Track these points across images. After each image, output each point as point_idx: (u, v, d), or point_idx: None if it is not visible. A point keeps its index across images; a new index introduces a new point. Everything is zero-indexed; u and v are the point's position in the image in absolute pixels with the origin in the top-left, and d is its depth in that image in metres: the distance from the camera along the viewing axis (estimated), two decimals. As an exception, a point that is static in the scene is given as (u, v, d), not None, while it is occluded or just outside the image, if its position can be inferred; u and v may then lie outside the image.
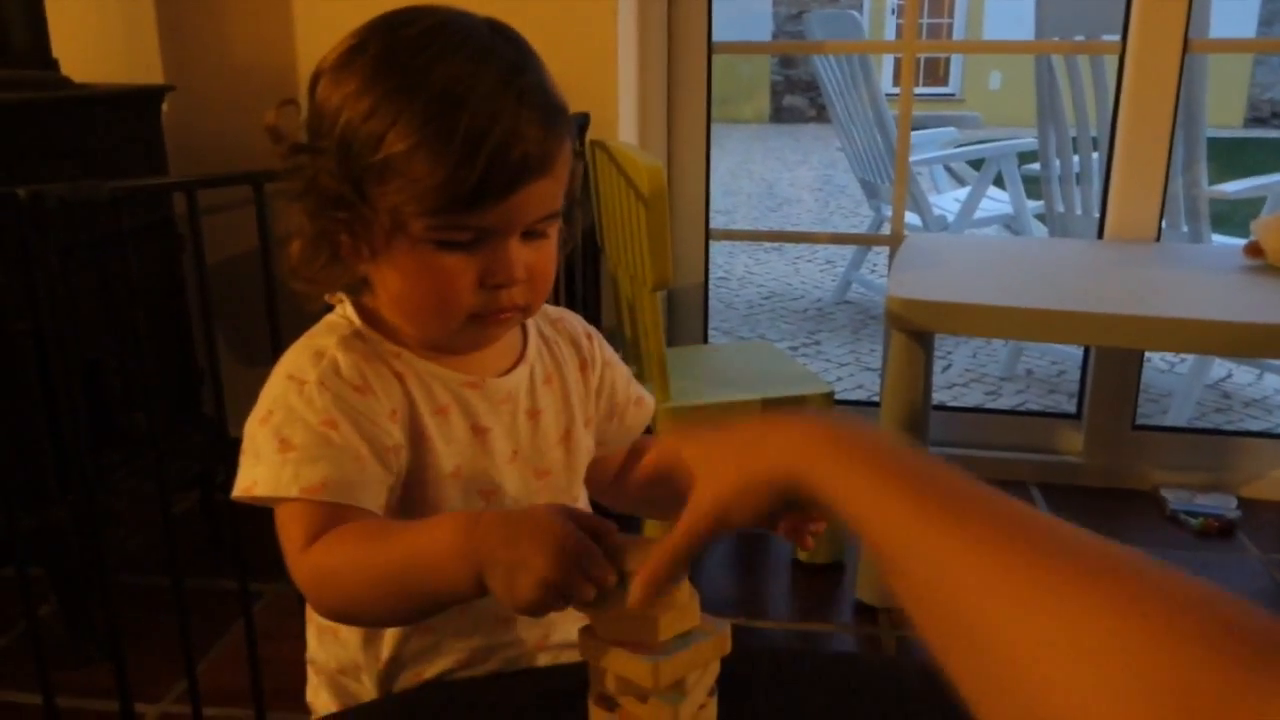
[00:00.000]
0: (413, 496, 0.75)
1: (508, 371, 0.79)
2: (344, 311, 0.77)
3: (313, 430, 0.68)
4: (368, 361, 0.73)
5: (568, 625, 0.81)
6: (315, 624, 0.82)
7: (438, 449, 0.75)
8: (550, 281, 0.75)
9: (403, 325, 0.74)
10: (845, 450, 0.53)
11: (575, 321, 0.88)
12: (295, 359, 0.73)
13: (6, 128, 1.59)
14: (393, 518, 0.74)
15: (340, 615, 0.71)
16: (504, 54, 0.68)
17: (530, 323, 0.82)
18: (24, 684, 1.58)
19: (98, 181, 1.26)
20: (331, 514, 0.67)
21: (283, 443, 0.68)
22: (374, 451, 0.70)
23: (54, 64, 1.82)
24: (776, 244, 5.42)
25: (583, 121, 1.94)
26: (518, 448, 0.79)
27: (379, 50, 0.67)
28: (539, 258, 0.72)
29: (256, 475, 0.69)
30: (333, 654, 0.81)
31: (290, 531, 0.68)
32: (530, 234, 0.71)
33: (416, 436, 0.74)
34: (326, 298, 0.77)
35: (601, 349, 0.87)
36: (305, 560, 0.67)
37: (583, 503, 0.85)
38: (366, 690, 0.81)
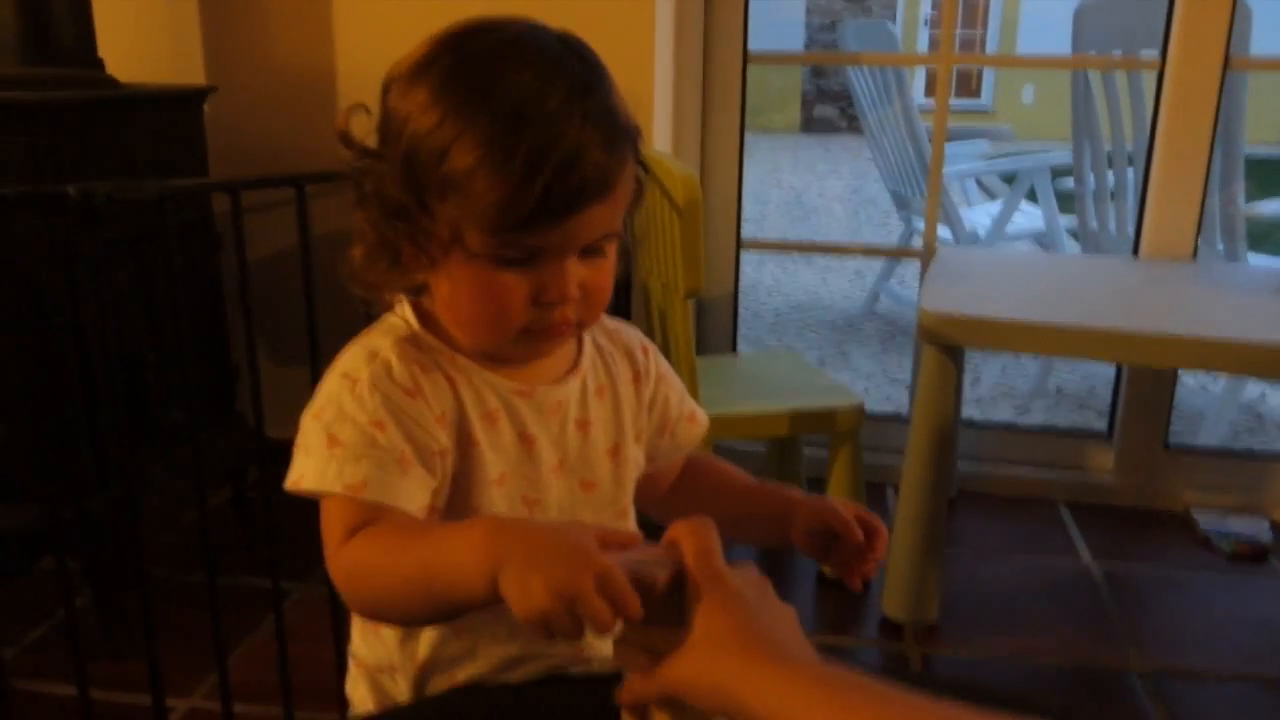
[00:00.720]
0: (459, 502, 0.76)
1: (560, 381, 0.79)
2: (402, 313, 0.78)
3: (360, 429, 0.70)
4: (420, 365, 0.74)
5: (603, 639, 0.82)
6: (359, 619, 0.83)
7: (485, 455, 0.76)
8: (607, 297, 0.76)
9: (457, 332, 0.75)
10: (766, 660, 0.61)
11: (632, 334, 0.88)
12: (351, 357, 0.74)
13: (52, 126, 1.61)
14: (429, 517, 0.74)
15: (370, 612, 0.73)
16: (573, 72, 0.68)
17: (586, 334, 0.83)
18: (53, 675, 1.60)
19: (146, 181, 1.28)
20: (370, 512, 0.69)
21: (331, 439, 0.70)
22: (419, 454, 0.71)
23: (99, 63, 1.84)
24: (805, 254, 5.40)
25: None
26: (564, 458, 0.79)
27: (449, 63, 0.68)
28: (596, 275, 0.73)
29: (305, 469, 0.71)
30: (373, 650, 0.82)
31: (331, 527, 0.70)
32: (588, 251, 0.72)
33: (465, 441, 0.75)
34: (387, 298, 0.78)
35: (657, 363, 0.87)
36: (341, 555, 0.69)
37: (630, 517, 0.85)
38: (401, 690, 0.81)
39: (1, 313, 1.61)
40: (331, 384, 0.73)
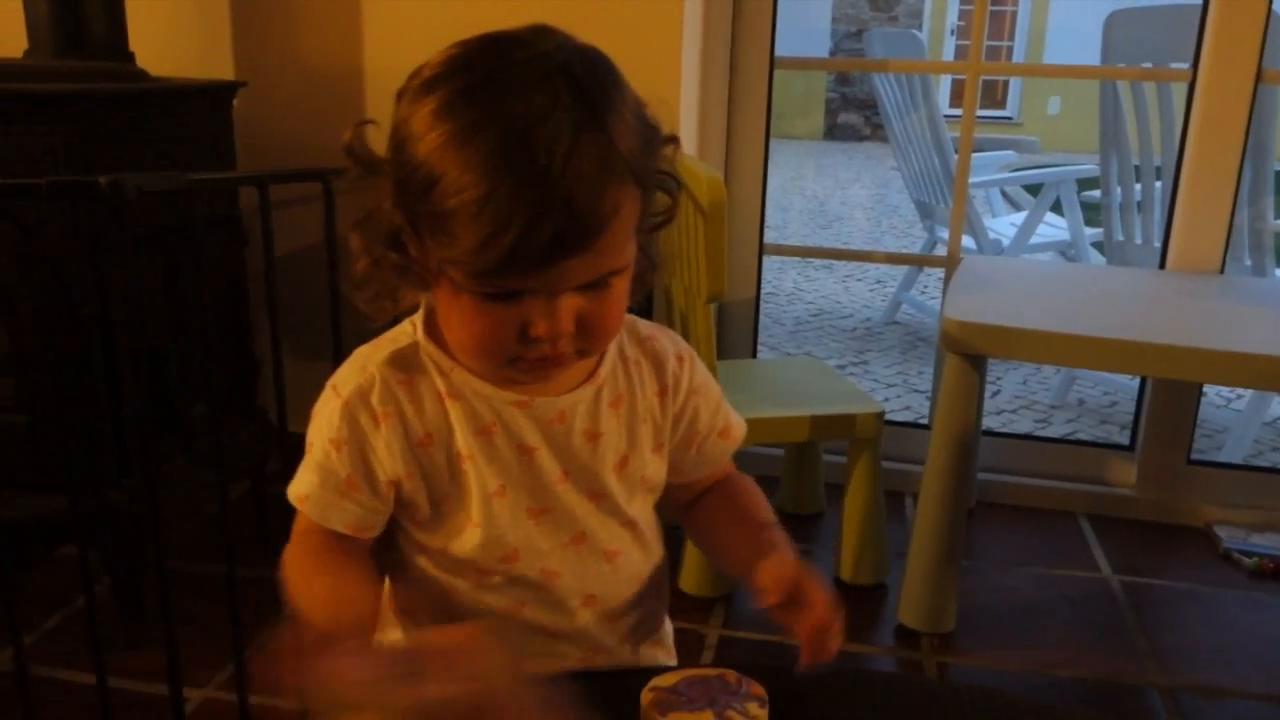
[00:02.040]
0: (458, 514, 0.77)
1: (567, 392, 0.78)
2: (413, 320, 0.78)
3: (323, 444, 0.75)
4: (409, 382, 0.76)
5: (611, 655, 0.83)
6: (392, 611, 0.84)
7: (481, 469, 0.76)
8: (613, 328, 0.73)
9: (454, 352, 0.76)
10: None
11: (667, 343, 0.84)
12: (348, 366, 0.77)
13: (83, 118, 1.63)
14: (420, 531, 0.79)
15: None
16: (580, 104, 0.64)
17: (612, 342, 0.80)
18: (69, 663, 1.61)
19: (176, 173, 1.29)
20: (318, 533, 0.76)
21: (309, 446, 0.77)
22: (367, 480, 0.75)
23: (130, 56, 1.86)
24: (826, 261, 5.39)
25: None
26: (570, 467, 0.79)
27: (458, 85, 0.66)
28: (597, 307, 0.69)
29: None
30: (389, 636, 0.83)
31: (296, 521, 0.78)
32: (587, 285, 0.68)
33: (454, 457, 0.76)
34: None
35: (692, 375, 0.84)
36: (286, 550, 0.77)
37: (639, 529, 0.83)
38: None
39: (29, 303, 1.62)
40: (325, 391, 0.77)
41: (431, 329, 0.77)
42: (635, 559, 0.83)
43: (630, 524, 0.82)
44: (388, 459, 0.75)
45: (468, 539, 0.77)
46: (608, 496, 0.80)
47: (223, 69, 2.21)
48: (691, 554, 1.93)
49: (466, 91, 0.65)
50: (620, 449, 0.80)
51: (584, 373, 0.79)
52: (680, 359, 0.84)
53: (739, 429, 0.89)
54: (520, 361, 0.71)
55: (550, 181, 0.62)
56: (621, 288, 0.71)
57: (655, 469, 0.83)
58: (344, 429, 0.74)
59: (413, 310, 0.79)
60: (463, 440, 0.76)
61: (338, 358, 1.42)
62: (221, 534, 1.38)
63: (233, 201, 1.98)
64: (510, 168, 0.62)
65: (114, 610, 1.69)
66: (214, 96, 1.96)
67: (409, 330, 0.78)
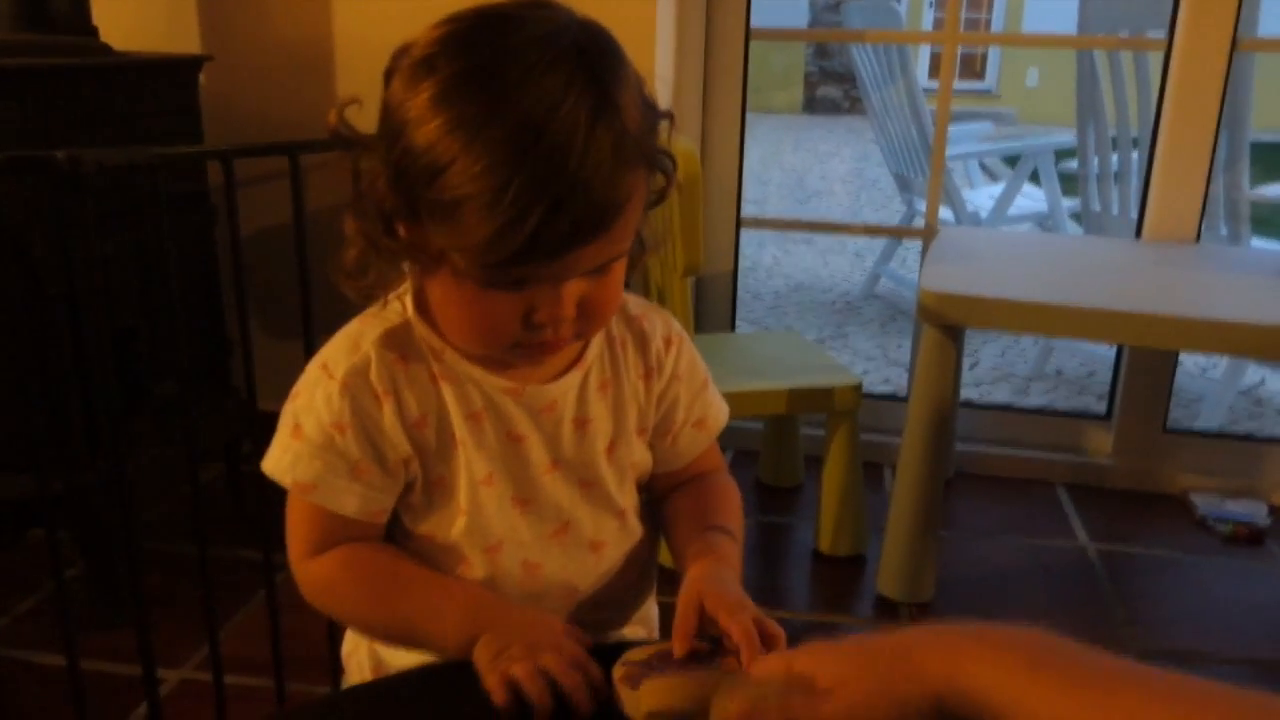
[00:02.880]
0: (445, 502, 0.76)
1: (555, 378, 0.77)
2: (402, 299, 0.75)
3: (323, 428, 0.72)
4: (404, 361, 0.73)
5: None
6: None
7: (470, 455, 0.75)
8: (612, 310, 0.72)
9: (448, 337, 0.74)
10: (1002, 652, 0.53)
11: (658, 323, 0.82)
12: (336, 345, 0.74)
13: (45, 93, 1.60)
14: (412, 516, 0.76)
15: (330, 616, 0.80)
16: (591, 85, 0.62)
17: None
18: (46, 645, 1.60)
19: (135, 147, 1.26)
20: (327, 525, 0.74)
21: (295, 428, 0.73)
22: (377, 461, 0.73)
23: (93, 31, 1.82)
24: (806, 235, 5.38)
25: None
26: (559, 457, 0.77)
27: (458, 69, 0.62)
28: (599, 291, 0.69)
29: (271, 450, 0.74)
30: None
31: (294, 531, 0.75)
32: (590, 271, 0.67)
33: (448, 442, 0.74)
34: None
35: (678, 360, 0.83)
36: (309, 569, 0.75)
37: (627, 519, 0.82)
38: (391, 655, 0.81)
39: (-7, 281, 1.59)
40: (312, 370, 0.74)
41: (421, 308, 0.75)
42: (621, 549, 0.82)
43: (620, 513, 0.81)
44: (395, 436, 0.73)
45: (453, 527, 0.76)
46: (598, 484, 0.79)
47: (189, 43, 2.17)
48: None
49: (471, 74, 0.62)
50: (609, 434, 0.79)
51: (571, 356, 0.78)
52: (668, 341, 0.82)
53: (716, 421, 0.86)
54: (520, 347, 0.69)
55: (570, 171, 0.60)
56: (621, 270, 0.71)
57: (642, 453, 0.82)
58: (346, 411, 0.72)
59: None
60: (456, 424, 0.74)
61: (309, 335, 1.40)
62: (194, 513, 1.37)
63: (202, 178, 1.95)
64: (528, 156, 0.60)
65: (88, 592, 1.68)
66: (179, 71, 1.92)
67: (398, 308, 0.75)
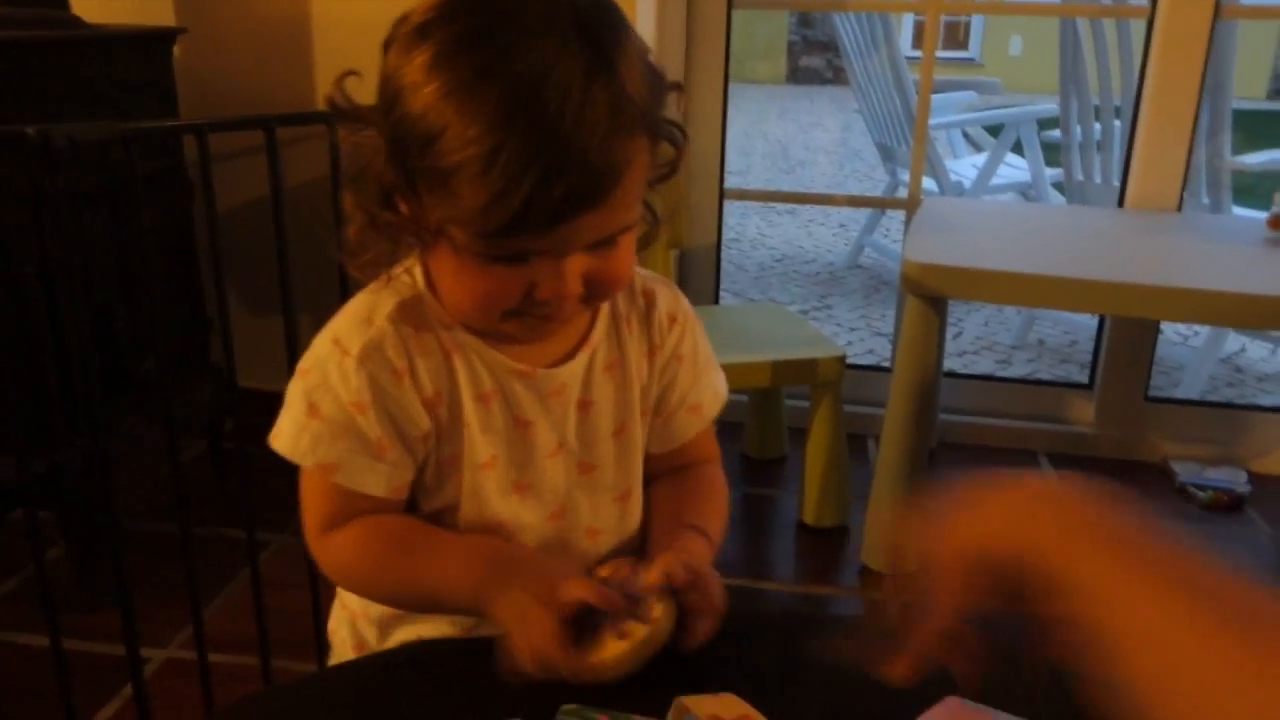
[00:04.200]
0: (447, 482, 0.74)
1: (565, 359, 0.75)
2: (413, 272, 0.73)
3: (342, 407, 0.70)
4: (418, 335, 0.71)
5: None
6: None
7: (475, 437, 0.73)
8: (620, 284, 0.71)
9: (450, 311, 0.72)
10: (1095, 532, 0.46)
11: (664, 300, 0.80)
12: (347, 319, 0.72)
13: (16, 66, 1.57)
14: (423, 495, 0.75)
15: (349, 591, 0.78)
16: (590, 48, 0.60)
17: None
18: (31, 627, 1.59)
19: (108, 122, 1.24)
20: (347, 500, 0.72)
21: (311, 407, 0.71)
22: (399, 437, 0.71)
23: (64, 3, 1.79)
24: (789, 206, 5.37)
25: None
26: (564, 440, 0.76)
27: (455, 31, 0.61)
28: (606, 265, 0.66)
29: (282, 428, 0.72)
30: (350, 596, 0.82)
31: (311, 506, 0.73)
32: (595, 244, 0.65)
33: (456, 422, 0.73)
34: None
35: (681, 339, 0.81)
36: (326, 544, 0.73)
37: (633, 499, 0.81)
38: (370, 636, 0.81)
39: (-34, 260, 1.57)
40: (323, 345, 0.71)
41: (430, 281, 0.73)
42: (618, 536, 0.81)
43: (622, 496, 0.80)
44: (416, 412, 0.71)
45: (457, 508, 0.75)
46: (597, 469, 0.78)
47: (162, 15, 2.13)
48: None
49: (466, 38, 0.60)
50: (617, 416, 0.78)
51: (579, 335, 0.76)
52: (673, 319, 0.80)
53: (711, 406, 0.84)
54: (522, 317, 0.67)
55: (563, 135, 0.58)
56: (629, 243, 0.68)
57: (645, 432, 0.81)
58: (365, 388, 0.70)
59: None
60: (466, 405, 0.73)
61: (288, 311, 1.39)
62: (176, 492, 1.36)
63: (178, 153, 1.92)
64: (520, 120, 0.58)
65: (70, 572, 1.67)
66: (153, 44, 1.89)
67: (409, 281, 0.73)
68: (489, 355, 0.73)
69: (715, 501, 0.84)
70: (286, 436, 0.71)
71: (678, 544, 0.75)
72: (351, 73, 0.68)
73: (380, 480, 0.71)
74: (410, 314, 0.71)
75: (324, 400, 0.70)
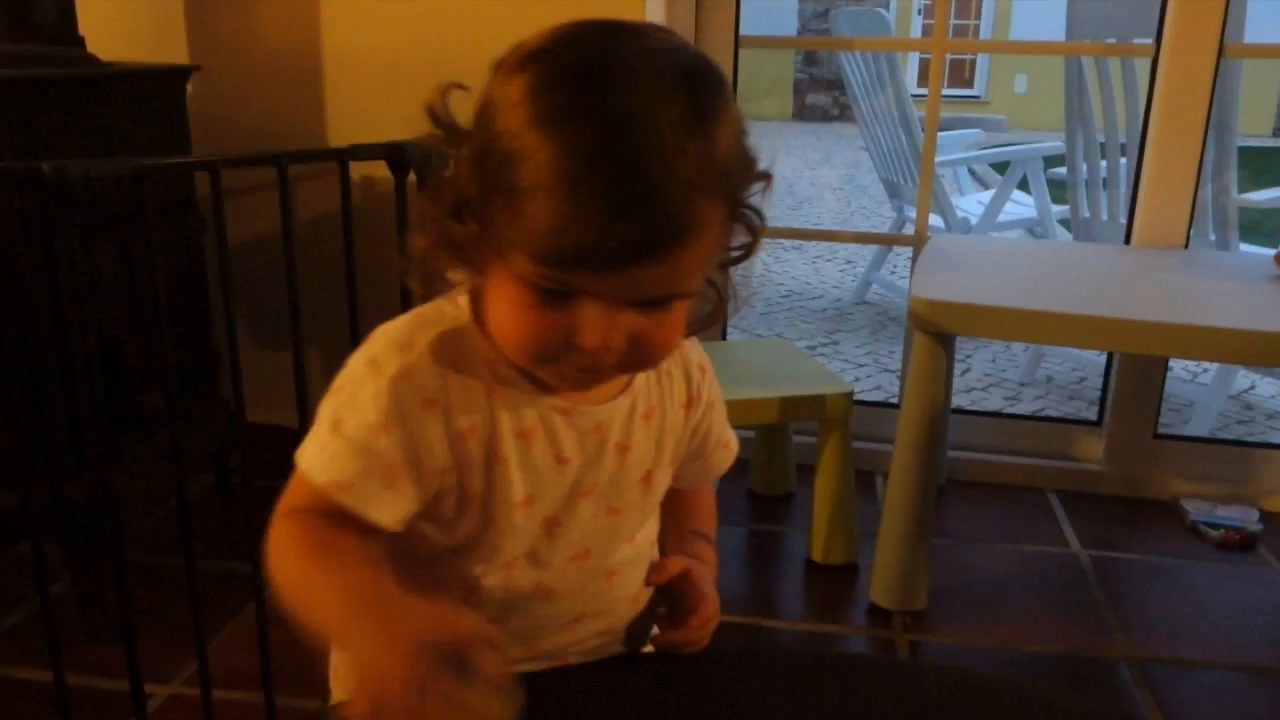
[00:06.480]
0: (481, 520, 0.73)
1: (606, 401, 0.75)
2: (459, 301, 0.73)
3: (365, 427, 0.68)
4: (456, 368, 0.70)
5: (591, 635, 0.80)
6: None
7: (512, 475, 0.72)
8: (665, 354, 0.69)
9: (496, 341, 0.70)
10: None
11: (693, 352, 0.81)
12: (388, 341, 0.71)
13: (31, 104, 1.59)
14: (442, 527, 0.73)
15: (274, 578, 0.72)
16: (678, 107, 0.60)
17: None
18: (35, 661, 1.58)
19: (123, 158, 1.25)
20: (320, 502, 0.69)
21: (336, 424, 0.69)
22: (414, 468, 0.69)
23: (80, 41, 1.81)
24: (796, 243, 5.39)
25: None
26: (596, 481, 0.76)
27: (559, 63, 0.62)
28: (654, 329, 0.65)
29: (307, 444, 0.70)
30: None
31: (285, 494, 0.71)
32: (648, 304, 0.64)
33: (491, 458, 0.72)
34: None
35: (711, 387, 0.82)
36: (275, 524, 0.70)
37: (644, 537, 0.82)
38: None
39: (-21, 293, 1.58)
40: (358, 365, 0.70)
41: (477, 314, 0.72)
42: (632, 576, 0.81)
43: (639, 544, 0.80)
44: (437, 446, 0.70)
45: (478, 541, 0.74)
46: (623, 512, 0.78)
47: (176, 53, 2.16)
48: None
49: (573, 69, 0.61)
50: (647, 463, 0.78)
51: (621, 384, 0.76)
52: (702, 370, 0.81)
53: (735, 444, 0.88)
54: (558, 366, 0.67)
55: (646, 177, 0.59)
56: (681, 314, 0.67)
57: (667, 481, 0.82)
58: (392, 412, 0.68)
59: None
60: (504, 441, 0.71)
61: (297, 346, 1.39)
62: (182, 526, 1.35)
63: (189, 188, 1.94)
64: (608, 155, 0.58)
65: (75, 606, 1.66)
66: (166, 81, 1.91)
67: (451, 312, 0.72)
68: (529, 391, 0.72)
69: (708, 505, 0.90)
70: (309, 453, 0.70)
71: (690, 550, 0.83)
72: (458, 85, 0.68)
73: (386, 509, 0.69)
74: (451, 345, 0.71)
75: (350, 419, 0.69)
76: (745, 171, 0.66)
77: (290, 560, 0.69)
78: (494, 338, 0.70)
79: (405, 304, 0.76)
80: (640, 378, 0.77)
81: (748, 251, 0.70)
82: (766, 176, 0.68)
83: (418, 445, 0.69)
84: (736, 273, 0.73)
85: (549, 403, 0.72)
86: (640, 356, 0.67)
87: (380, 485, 0.69)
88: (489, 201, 0.63)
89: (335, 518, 0.69)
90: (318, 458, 0.69)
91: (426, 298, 0.73)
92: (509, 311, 0.66)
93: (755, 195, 0.68)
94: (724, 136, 0.63)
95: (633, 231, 0.59)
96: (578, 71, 0.61)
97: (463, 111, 0.68)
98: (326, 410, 0.70)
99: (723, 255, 0.68)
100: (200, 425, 1.93)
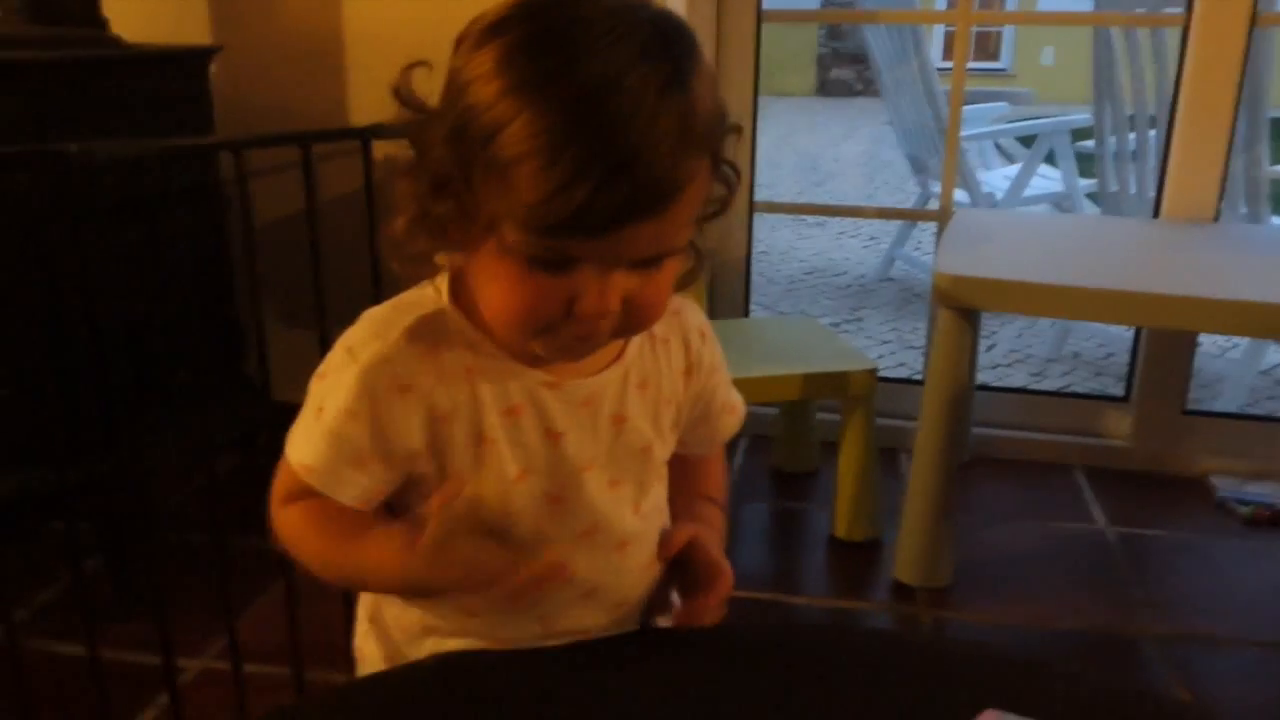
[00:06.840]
0: (480, 495, 0.73)
1: (596, 373, 0.75)
2: (438, 285, 0.73)
3: (339, 412, 0.71)
4: (435, 351, 0.71)
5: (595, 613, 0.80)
6: None
7: (502, 452, 0.72)
8: (658, 314, 0.69)
9: (487, 320, 0.71)
10: None
11: (692, 317, 0.81)
12: (364, 328, 0.72)
13: (55, 86, 1.60)
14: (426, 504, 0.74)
15: (298, 559, 0.77)
16: (663, 62, 0.61)
17: None
18: (69, 636, 1.61)
19: (147, 140, 1.26)
20: (308, 490, 0.73)
21: (318, 410, 0.72)
22: (383, 452, 0.71)
23: (104, 22, 1.82)
24: (820, 219, 5.36)
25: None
26: (595, 454, 0.76)
27: (526, 31, 0.61)
28: (646, 289, 0.66)
29: (294, 428, 0.74)
30: (376, 604, 0.83)
31: (279, 481, 0.75)
32: (640, 263, 0.65)
33: (476, 439, 0.72)
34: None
35: (712, 352, 0.82)
36: (279, 516, 0.75)
37: (652, 506, 0.81)
38: (404, 644, 0.81)
39: (6, 274, 1.60)
40: (338, 353, 0.72)
41: (457, 297, 0.72)
42: (643, 546, 0.81)
43: (646, 514, 0.80)
44: (406, 432, 0.71)
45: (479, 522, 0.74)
46: (626, 483, 0.78)
47: (199, 34, 2.16)
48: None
49: (542, 36, 0.61)
50: (646, 433, 0.78)
51: (612, 353, 0.76)
52: (702, 334, 0.81)
53: (742, 406, 0.88)
54: (554, 336, 0.67)
55: (631, 139, 0.59)
56: (672, 271, 0.68)
57: (668, 449, 0.81)
58: (362, 399, 0.70)
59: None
60: (489, 421, 0.72)
61: (322, 324, 1.40)
62: (210, 503, 1.37)
63: (213, 168, 1.95)
64: (590, 120, 0.58)
65: (108, 583, 1.69)
66: (189, 62, 1.92)
67: (432, 295, 0.73)
68: (516, 368, 0.72)
69: (717, 470, 0.90)
70: (294, 437, 0.73)
71: (697, 513, 0.84)
72: (421, 63, 0.68)
73: (353, 491, 0.72)
74: (429, 330, 0.71)
75: (329, 405, 0.71)
76: (721, 124, 0.66)
77: (310, 534, 0.73)
78: (485, 314, 0.70)
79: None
80: (633, 347, 0.76)
81: (723, 206, 0.70)
82: (737, 129, 0.69)
83: (387, 430, 0.71)
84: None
85: (535, 377, 0.73)
86: (634, 319, 0.67)
87: (348, 468, 0.72)
88: (471, 177, 0.63)
89: (325, 508, 0.73)
90: (295, 440, 0.73)
91: (409, 279, 0.73)
92: (502, 287, 0.66)
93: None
94: (702, 92, 0.63)
95: (624, 193, 0.59)
96: (547, 38, 0.61)
97: (427, 89, 0.68)
98: (314, 395, 0.73)
99: (703, 209, 0.68)
100: (226, 404, 1.95)
